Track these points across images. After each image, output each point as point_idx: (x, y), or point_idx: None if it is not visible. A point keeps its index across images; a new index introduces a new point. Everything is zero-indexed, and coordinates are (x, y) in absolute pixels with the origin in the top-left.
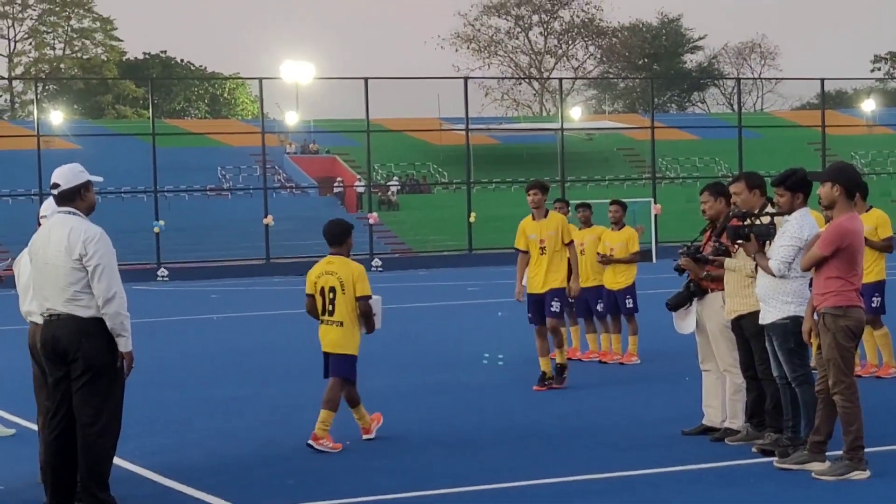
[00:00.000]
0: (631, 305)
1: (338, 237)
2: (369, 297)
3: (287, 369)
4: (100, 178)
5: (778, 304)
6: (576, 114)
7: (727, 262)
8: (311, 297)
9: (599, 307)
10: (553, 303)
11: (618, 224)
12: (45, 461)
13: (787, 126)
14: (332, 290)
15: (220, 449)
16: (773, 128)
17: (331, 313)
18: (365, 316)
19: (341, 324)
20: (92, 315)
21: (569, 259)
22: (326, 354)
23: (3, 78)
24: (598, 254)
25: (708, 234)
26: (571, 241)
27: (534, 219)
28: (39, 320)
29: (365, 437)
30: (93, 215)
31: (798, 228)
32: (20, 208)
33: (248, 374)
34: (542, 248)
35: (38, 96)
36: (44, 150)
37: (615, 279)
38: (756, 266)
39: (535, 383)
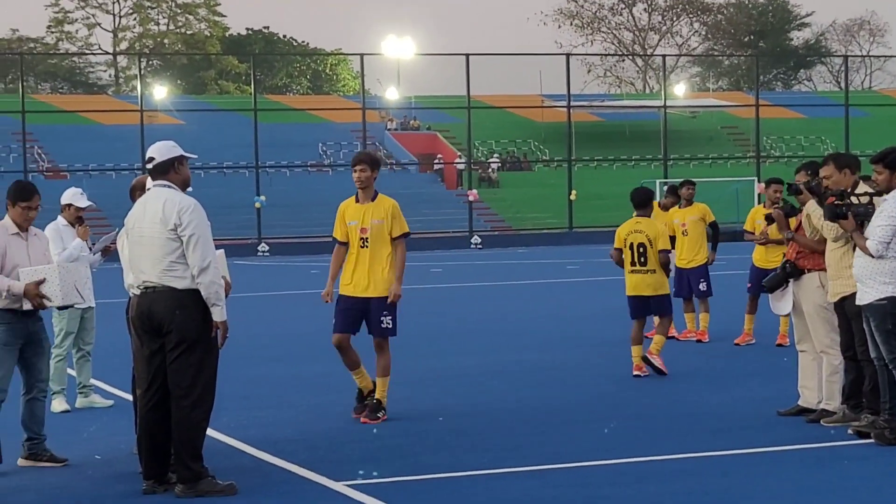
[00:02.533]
0: None
1: (644, 202)
2: (669, 250)
3: None
4: (194, 155)
5: (876, 285)
6: (679, 91)
7: (808, 204)
8: (619, 250)
9: (702, 286)
10: (383, 318)
11: (776, 203)
12: (140, 432)
13: None
14: (642, 245)
15: (313, 424)
16: (881, 106)
17: (643, 264)
18: (664, 265)
19: (654, 271)
20: (187, 286)
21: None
22: (635, 298)
23: (108, 53)
24: (746, 231)
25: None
26: (403, 236)
27: (358, 200)
28: (138, 292)
29: (645, 354)
30: (195, 191)
31: (895, 207)
32: (124, 182)
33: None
34: (364, 240)
35: (142, 71)
36: (147, 124)
37: (768, 258)
38: (849, 237)
39: (628, 363)
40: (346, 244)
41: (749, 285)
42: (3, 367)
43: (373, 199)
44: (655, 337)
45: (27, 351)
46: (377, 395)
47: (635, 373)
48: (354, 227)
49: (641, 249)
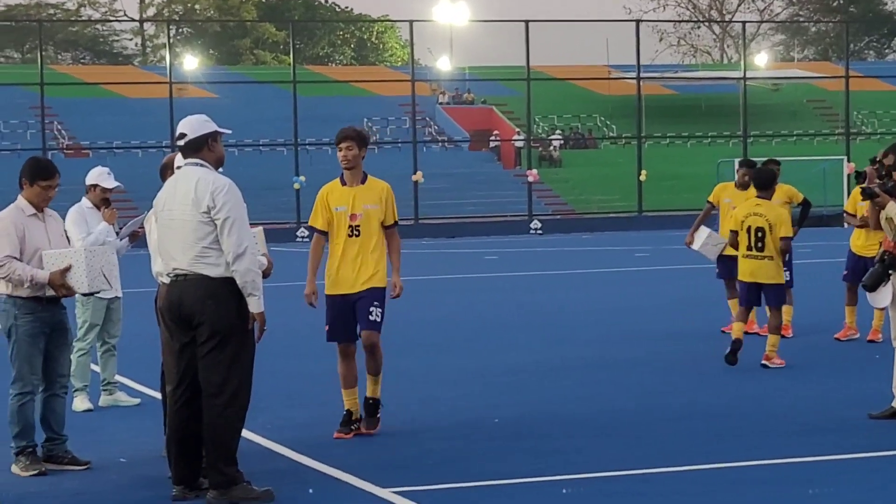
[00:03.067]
0: None
1: (766, 183)
2: (790, 237)
3: (429, 343)
4: (228, 131)
5: None
6: (761, 61)
7: (889, 206)
8: (735, 233)
9: (785, 276)
10: (373, 308)
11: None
12: (170, 433)
13: None
14: (761, 230)
15: None
16: None
17: (759, 249)
18: (783, 252)
19: (771, 258)
20: (221, 274)
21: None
22: (747, 284)
23: (134, 20)
24: (847, 213)
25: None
26: (395, 224)
27: (344, 183)
28: (167, 281)
29: (763, 362)
30: (229, 170)
31: None
32: (151, 161)
33: (387, 347)
34: (355, 228)
35: (171, 40)
36: (176, 98)
37: (868, 244)
38: None
39: (706, 359)
40: (325, 234)
41: (845, 273)
42: (30, 360)
43: (363, 182)
44: (769, 338)
45: (49, 342)
46: (371, 394)
47: (771, 365)
48: (343, 214)
49: (760, 234)
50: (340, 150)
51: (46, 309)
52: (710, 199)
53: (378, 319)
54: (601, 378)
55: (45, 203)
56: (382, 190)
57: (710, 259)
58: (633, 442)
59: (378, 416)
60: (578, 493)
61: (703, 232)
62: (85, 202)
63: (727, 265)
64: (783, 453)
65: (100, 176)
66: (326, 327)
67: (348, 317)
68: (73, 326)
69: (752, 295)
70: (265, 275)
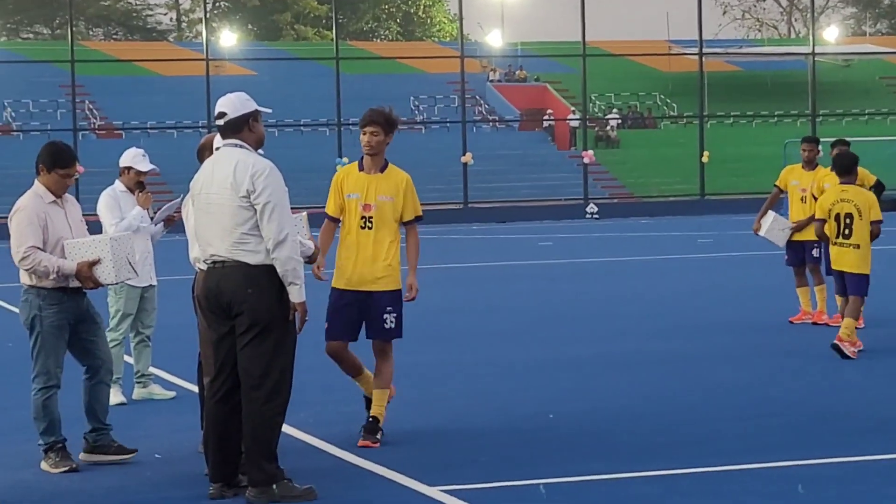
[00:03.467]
0: None
1: (848, 168)
2: (881, 221)
3: (481, 334)
4: (268, 110)
5: None
6: (831, 36)
7: None
8: (823, 221)
9: None
10: (387, 315)
11: None
12: (207, 428)
13: None
14: (849, 216)
15: (406, 420)
16: None
17: (846, 237)
18: (874, 237)
19: (858, 246)
20: (260, 261)
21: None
22: (836, 272)
23: None
24: None
25: None
26: (416, 220)
27: (362, 169)
28: (205, 268)
29: (835, 342)
30: (269, 151)
31: None
32: (186, 142)
33: (444, 337)
34: (367, 220)
35: (208, 14)
36: (213, 75)
37: None
38: None
39: (774, 352)
40: (337, 221)
41: None
42: (55, 353)
43: (382, 170)
44: (845, 321)
45: (82, 331)
46: (374, 412)
47: (842, 347)
48: (355, 202)
49: (848, 220)
50: (364, 135)
51: (72, 299)
52: (778, 183)
53: (393, 326)
54: (663, 372)
55: (63, 191)
56: (401, 182)
57: (779, 245)
58: (699, 439)
59: (378, 436)
60: (640, 492)
61: (770, 216)
62: (118, 185)
63: (796, 252)
64: (858, 450)
65: (134, 158)
66: (326, 324)
67: (352, 314)
68: (105, 316)
69: (842, 283)
70: (311, 260)
